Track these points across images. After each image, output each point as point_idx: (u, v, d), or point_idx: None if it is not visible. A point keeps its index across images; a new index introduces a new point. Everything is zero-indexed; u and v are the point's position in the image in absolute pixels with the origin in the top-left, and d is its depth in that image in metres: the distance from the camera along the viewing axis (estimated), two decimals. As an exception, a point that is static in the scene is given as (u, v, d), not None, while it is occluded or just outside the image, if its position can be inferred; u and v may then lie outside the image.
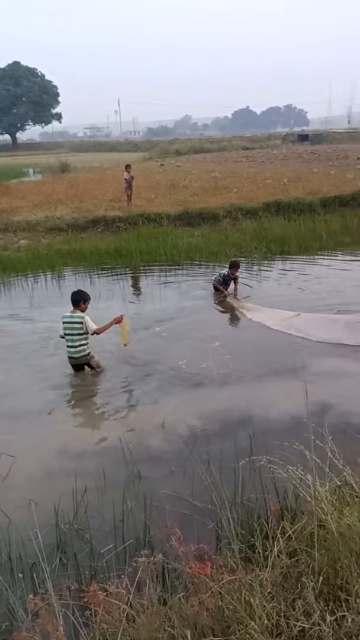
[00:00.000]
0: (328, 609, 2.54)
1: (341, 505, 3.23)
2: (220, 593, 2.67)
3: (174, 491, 4.35)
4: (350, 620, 2.46)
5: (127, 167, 18.89)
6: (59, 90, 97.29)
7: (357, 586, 2.60)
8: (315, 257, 12.83)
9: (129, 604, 2.71)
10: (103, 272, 12.29)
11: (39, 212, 17.60)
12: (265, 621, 2.50)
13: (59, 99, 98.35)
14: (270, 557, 2.91)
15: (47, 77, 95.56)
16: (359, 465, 3.78)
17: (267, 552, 2.98)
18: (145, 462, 4.97)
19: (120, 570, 3.18)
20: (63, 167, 35.22)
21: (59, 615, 2.65)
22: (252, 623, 2.48)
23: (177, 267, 12.37)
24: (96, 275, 12.01)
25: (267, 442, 4.76)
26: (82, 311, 6.95)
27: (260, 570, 2.84)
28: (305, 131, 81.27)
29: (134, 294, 11.04)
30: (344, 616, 2.48)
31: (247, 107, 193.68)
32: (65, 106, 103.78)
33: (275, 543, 2.99)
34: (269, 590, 2.69)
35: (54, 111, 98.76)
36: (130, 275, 12.21)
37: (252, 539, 3.22)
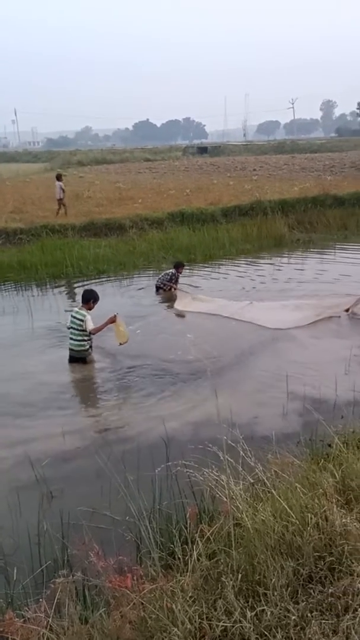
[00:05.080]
0: (248, 605, 2.60)
1: (255, 502, 3.33)
2: (142, 603, 2.65)
3: (91, 507, 4.26)
4: (269, 613, 2.53)
5: (59, 176, 18.69)
6: None
7: (273, 579, 2.69)
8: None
9: (48, 627, 2.61)
10: (6, 285, 11.85)
11: None
12: (188, 625, 2.51)
13: None
14: (190, 561, 2.94)
15: None
16: (270, 462, 3.93)
17: (187, 557, 3.00)
18: (59, 479, 4.83)
19: (39, 593, 3.05)
20: None
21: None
22: (175, 629, 2.48)
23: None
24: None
25: (183, 446, 4.81)
26: (89, 309, 7.37)
27: (181, 576, 2.86)
28: (204, 144, 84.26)
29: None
30: (263, 610, 2.55)
31: (147, 119, 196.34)
32: None
33: (194, 547, 3.01)
34: (190, 594, 2.70)
35: None
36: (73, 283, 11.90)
37: (172, 546, 3.23)
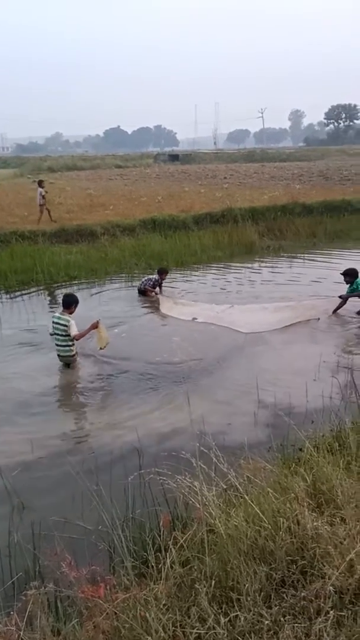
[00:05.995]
0: (222, 611, 2.61)
1: (228, 507, 3.34)
2: (116, 613, 2.63)
3: (63, 517, 4.19)
4: (243, 618, 2.54)
5: (40, 182, 18.75)
6: None
7: (247, 585, 2.70)
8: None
9: (19, 641, 2.56)
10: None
11: None
12: (162, 634, 2.50)
13: None
14: (164, 569, 2.93)
15: None
16: (242, 467, 3.95)
17: (160, 565, 2.99)
18: (30, 489, 4.75)
19: (9, 606, 2.99)
20: None
21: None
22: (149, 638, 2.46)
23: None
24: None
25: (156, 453, 4.79)
26: (71, 314, 7.28)
27: (154, 584, 2.84)
28: (175, 151, 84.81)
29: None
30: (236, 616, 2.56)
31: (118, 126, 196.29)
32: None
33: (167, 554, 3.01)
34: (164, 602, 2.69)
35: None
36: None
37: (145, 554, 3.21)
